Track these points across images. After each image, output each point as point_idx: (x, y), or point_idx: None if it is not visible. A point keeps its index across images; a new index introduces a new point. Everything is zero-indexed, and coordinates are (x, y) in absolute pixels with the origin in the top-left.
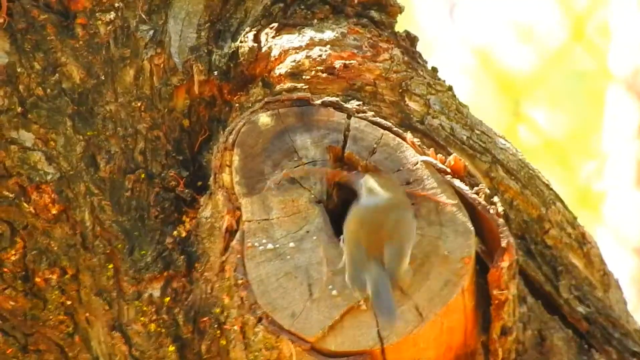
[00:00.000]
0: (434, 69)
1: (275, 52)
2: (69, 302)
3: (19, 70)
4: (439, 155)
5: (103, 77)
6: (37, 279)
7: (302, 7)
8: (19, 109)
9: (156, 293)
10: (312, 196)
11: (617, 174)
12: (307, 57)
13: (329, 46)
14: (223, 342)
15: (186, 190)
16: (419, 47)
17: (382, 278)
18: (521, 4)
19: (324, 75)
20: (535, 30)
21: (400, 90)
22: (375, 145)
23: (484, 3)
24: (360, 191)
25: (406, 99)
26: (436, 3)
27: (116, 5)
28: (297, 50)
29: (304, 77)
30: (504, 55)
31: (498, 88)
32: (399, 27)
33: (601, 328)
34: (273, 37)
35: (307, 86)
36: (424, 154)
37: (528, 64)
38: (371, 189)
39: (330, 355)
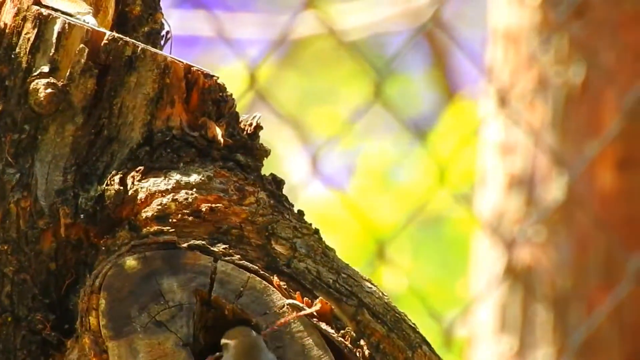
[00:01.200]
0: (300, 212)
1: (141, 195)
2: None
3: None
4: (305, 299)
5: None
6: None
7: (168, 150)
8: None
9: None
10: (179, 339)
11: (481, 319)
12: (174, 200)
13: (195, 189)
14: None
15: (53, 334)
16: (285, 191)
17: None
18: (383, 151)
19: (191, 218)
20: (398, 176)
21: (267, 234)
22: (241, 289)
23: (346, 149)
24: None
25: (272, 242)
26: (300, 149)
27: None
28: (164, 194)
29: (170, 220)
30: (368, 201)
31: (363, 233)
32: (265, 171)
33: None
34: (139, 181)
35: (173, 229)
36: (290, 297)
37: (392, 209)
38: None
39: None
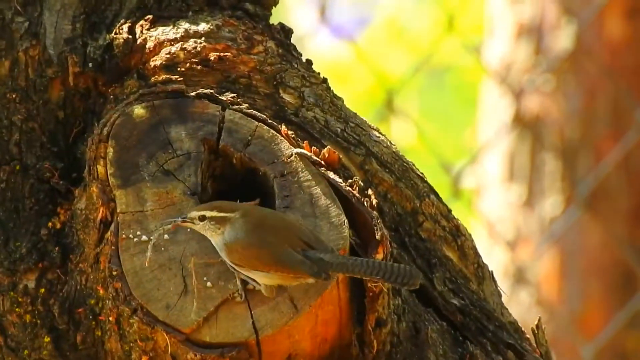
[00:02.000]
0: (309, 62)
1: (150, 44)
2: None
3: None
4: (313, 148)
5: None
6: None
7: None
8: None
9: (31, 284)
10: (187, 188)
11: (490, 168)
12: (182, 49)
13: (203, 38)
14: (98, 332)
15: (61, 182)
16: (293, 40)
17: (344, 258)
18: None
19: (199, 67)
20: (408, 25)
21: (275, 83)
22: (249, 138)
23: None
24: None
25: (280, 91)
26: None
27: None
28: (172, 43)
29: (178, 69)
30: (377, 50)
31: (371, 81)
32: (274, 20)
33: (476, 320)
34: (148, 29)
35: (181, 78)
36: (298, 146)
37: (402, 58)
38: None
39: (205, 346)
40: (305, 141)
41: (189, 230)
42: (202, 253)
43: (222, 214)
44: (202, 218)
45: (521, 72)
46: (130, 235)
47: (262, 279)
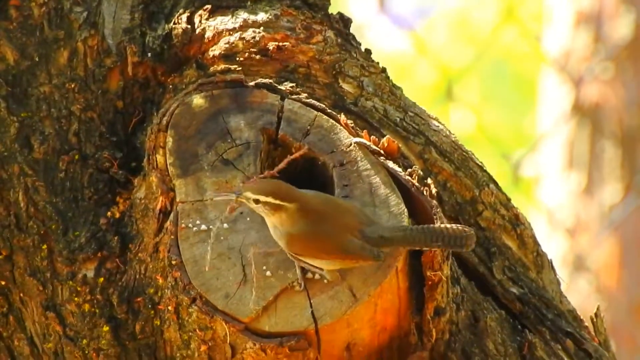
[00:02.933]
0: (367, 51)
1: (208, 34)
2: (2, 283)
3: None
4: (372, 137)
5: (37, 59)
6: None
7: None
8: None
9: (90, 273)
10: (246, 177)
11: (549, 156)
12: (241, 39)
13: (262, 28)
14: (157, 322)
15: (120, 172)
16: (352, 30)
17: (400, 227)
18: None
19: (258, 57)
20: (467, 14)
21: (334, 72)
22: (309, 127)
23: None
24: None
25: (339, 80)
26: None
27: None
28: (231, 32)
29: (237, 58)
30: (437, 40)
31: (431, 70)
32: (332, 9)
33: (534, 309)
34: (207, 19)
35: (240, 68)
36: (358, 135)
37: (462, 48)
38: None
39: (264, 335)
40: (365, 130)
41: (248, 219)
42: (262, 243)
43: (277, 202)
44: (257, 202)
45: (580, 60)
46: (190, 225)
47: (324, 266)
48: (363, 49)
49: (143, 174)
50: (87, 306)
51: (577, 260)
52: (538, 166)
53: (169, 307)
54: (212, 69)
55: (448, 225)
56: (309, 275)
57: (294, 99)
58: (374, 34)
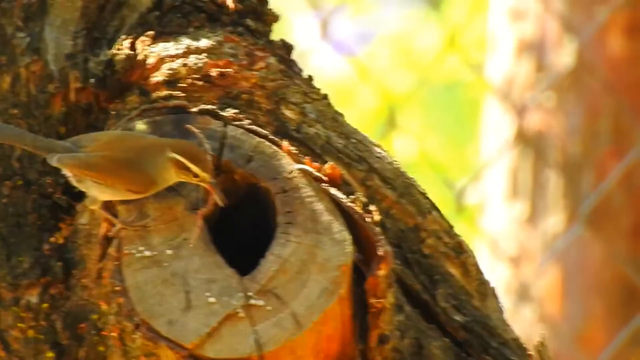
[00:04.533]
0: (310, 78)
1: (151, 60)
2: None
3: None
4: (315, 164)
5: None
6: None
7: (178, 15)
8: None
9: (34, 299)
10: (189, 203)
11: (493, 184)
12: (184, 65)
13: (205, 54)
14: (101, 348)
15: (63, 197)
16: (294, 56)
17: None
18: (395, 16)
19: (201, 83)
20: (409, 40)
21: (276, 99)
22: (251, 153)
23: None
24: None
25: (282, 107)
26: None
27: None
28: (174, 58)
29: (180, 84)
30: (379, 66)
31: (373, 96)
32: (275, 36)
33: (478, 337)
34: (149, 45)
35: (183, 94)
36: (300, 162)
37: (404, 74)
38: None
39: None
40: (307, 157)
41: (190, 245)
42: (205, 269)
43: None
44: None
45: (523, 88)
46: (133, 251)
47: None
48: (305, 75)
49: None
50: (31, 332)
51: (521, 289)
52: (481, 194)
53: (113, 333)
54: (154, 95)
55: None
56: (252, 301)
57: (237, 126)
58: (317, 59)
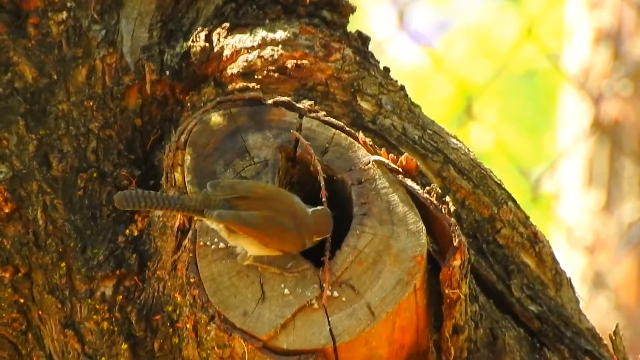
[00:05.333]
0: (386, 69)
1: (227, 52)
2: (21, 300)
3: None
4: (391, 155)
5: (55, 77)
6: None
7: (254, 7)
8: None
9: (108, 291)
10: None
11: (568, 173)
12: (259, 57)
13: (280, 46)
14: (175, 340)
15: (139, 190)
16: (371, 47)
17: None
18: (473, 6)
19: (276, 75)
20: (487, 30)
21: (352, 90)
22: (327, 145)
23: (434, 6)
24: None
25: (358, 98)
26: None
27: (68, 4)
28: (249, 50)
29: (256, 76)
30: (456, 56)
31: (449, 86)
32: (351, 27)
33: (553, 327)
34: (225, 37)
35: (259, 86)
36: (376, 153)
37: (481, 64)
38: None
39: (282, 353)
40: (383, 148)
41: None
42: (280, 261)
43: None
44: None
45: (600, 77)
46: (208, 243)
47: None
48: (381, 67)
49: (161, 192)
50: (105, 324)
51: (596, 278)
52: (557, 183)
53: (188, 325)
54: (230, 87)
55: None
56: (327, 293)
57: (312, 117)
58: (394, 50)
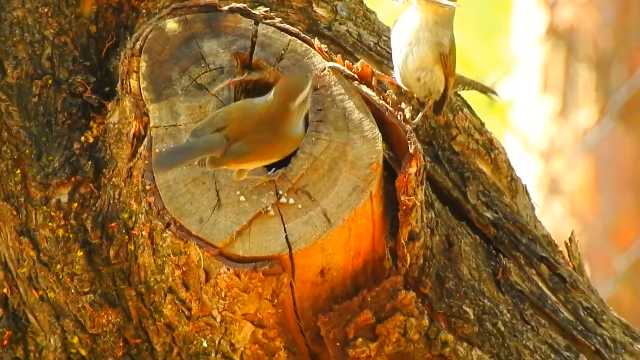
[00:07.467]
0: None
1: None
2: None
3: None
4: (346, 62)
5: None
6: None
7: None
8: None
9: (64, 198)
10: (220, 102)
11: (524, 79)
12: None
13: None
14: (131, 247)
15: (93, 96)
16: None
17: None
18: None
19: None
20: None
21: None
22: (282, 52)
23: None
24: None
25: (313, 5)
26: None
27: None
28: None
29: None
30: None
31: None
32: None
33: (509, 233)
34: None
35: None
36: (331, 60)
37: None
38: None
39: (238, 260)
40: (339, 55)
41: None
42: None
43: None
44: None
45: None
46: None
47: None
48: None
49: (116, 99)
50: (61, 231)
51: (552, 184)
52: (512, 90)
53: (143, 232)
54: None
55: None
56: (283, 200)
57: (268, 24)
58: None
